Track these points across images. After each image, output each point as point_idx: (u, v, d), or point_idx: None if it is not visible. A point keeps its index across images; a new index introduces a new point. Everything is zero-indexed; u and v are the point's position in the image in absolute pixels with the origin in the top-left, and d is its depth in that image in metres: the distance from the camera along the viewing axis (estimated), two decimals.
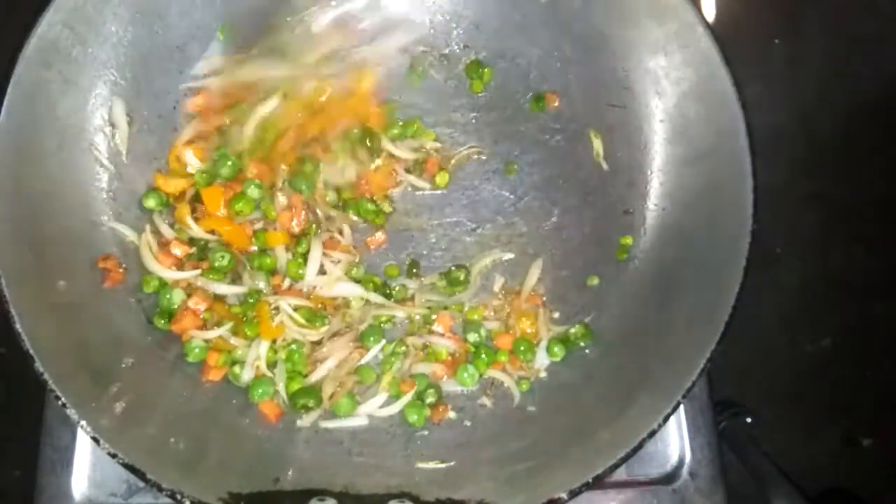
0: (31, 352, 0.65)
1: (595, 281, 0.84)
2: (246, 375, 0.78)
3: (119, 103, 0.81)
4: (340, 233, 0.84)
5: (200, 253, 0.81)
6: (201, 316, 0.78)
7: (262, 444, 0.75)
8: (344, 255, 0.83)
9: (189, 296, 0.79)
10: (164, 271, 0.79)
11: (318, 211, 0.84)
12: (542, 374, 0.81)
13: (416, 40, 0.90)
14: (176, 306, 0.78)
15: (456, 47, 0.90)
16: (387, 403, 0.78)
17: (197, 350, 0.77)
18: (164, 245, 0.80)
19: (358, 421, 0.78)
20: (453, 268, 0.84)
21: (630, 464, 0.69)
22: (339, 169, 0.85)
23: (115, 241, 0.79)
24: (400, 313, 0.82)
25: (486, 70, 0.89)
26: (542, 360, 0.81)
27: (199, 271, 0.79)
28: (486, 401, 0.80)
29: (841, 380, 1.43)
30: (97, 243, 0.78)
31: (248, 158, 0.82)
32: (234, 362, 0.79)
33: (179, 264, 0.80)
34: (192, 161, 0.82)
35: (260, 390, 0.77)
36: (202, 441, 0.73)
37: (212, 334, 0.78)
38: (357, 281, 0.82)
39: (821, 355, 1.45)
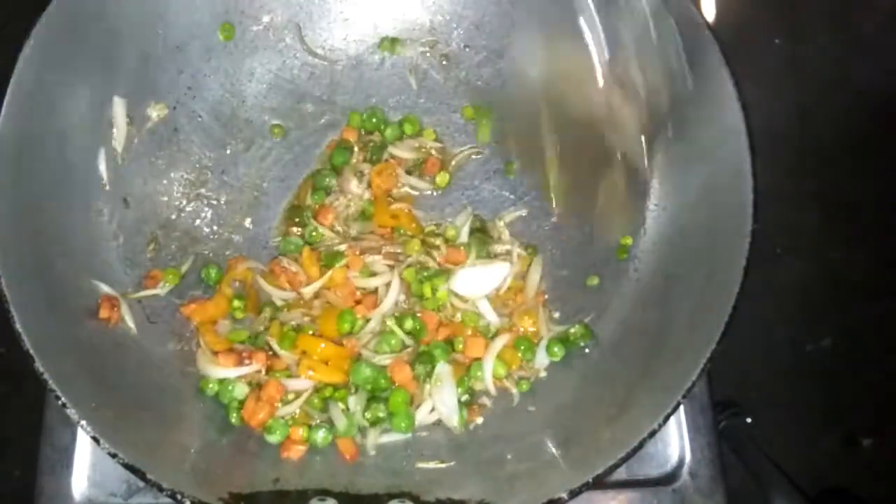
0: (31, 351, 0.65)
1: (595, 281, 0.84)
2: (341, 425, 0.75)
3: (119, 103, 0.81)
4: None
5: (253, 340, 0.79)
6: (277, 403, 0.75)
7: (263, 444, 0.75)
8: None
9: (250, 384, 0.76)
10: (228, 372, 0.76)
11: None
12: (542, 374, 0.81)
13: (416, 40, 0.90)
14: (241, 398, 0.76)
15: (456, 47, 0.90)
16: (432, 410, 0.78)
17: (280, 430, 0.74)
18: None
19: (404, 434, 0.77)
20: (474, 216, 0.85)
21: (630, 464, 0.69)
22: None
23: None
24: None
25: (484, 114, 0.89)
26: (541, 360, 0.81)
27: (260, 366, 0.77)
28: (486, 400, 0.80)
29: (841, 380, 1.42)
30: (97, 242, 0.78)
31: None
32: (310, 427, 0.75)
33: (239, 359, 0.77)
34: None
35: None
36: (203, 441, 0.73)
37: (295, 406, 0.75)
38: None
39: (821, 355, 1.45)
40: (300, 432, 0.74)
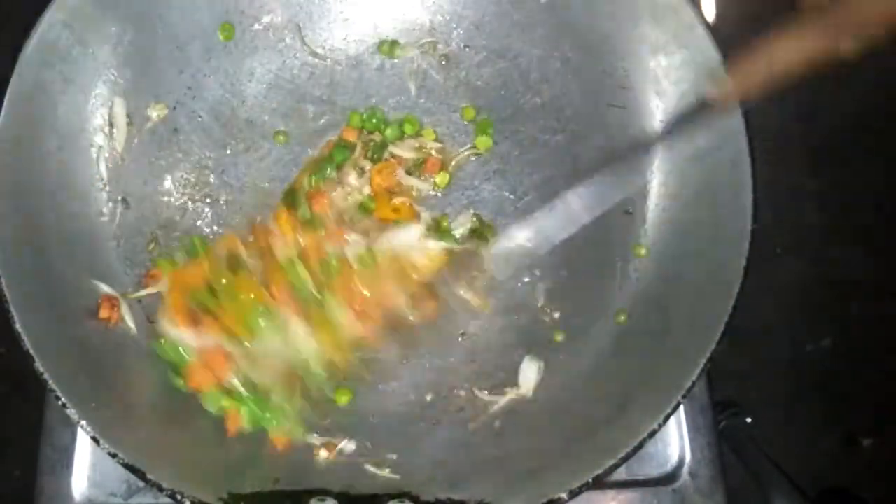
0: (31, 351, 0.65)
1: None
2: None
3: (119, 103, 0.81)
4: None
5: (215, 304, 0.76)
6: (216, 372, 0.73)
7: (262, 444, 0.75)
8: None
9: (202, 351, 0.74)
10: (184, 334, 0.73)
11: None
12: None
13: (416, 40, 0.90)
14: (190, 362, 0.73)
15: (456, 47, 0.90)
16: None
17: (214, 400, 0.72)
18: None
19: None
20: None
21: (630, 464, 0.69)
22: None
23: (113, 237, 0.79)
24: None
25: (484, 121, 0.88)
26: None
27: (215, 332, 0.73)
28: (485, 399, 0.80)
29: (841, 380, 1.43)
30: (97, 242, 0.78)
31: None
32: None
33: (197, 321, 0.74)
34: None
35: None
36: (203, 441, 0.73)
37: (235, 376, 0.73)
38: None
39: (821, 355, 1.45)
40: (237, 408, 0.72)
